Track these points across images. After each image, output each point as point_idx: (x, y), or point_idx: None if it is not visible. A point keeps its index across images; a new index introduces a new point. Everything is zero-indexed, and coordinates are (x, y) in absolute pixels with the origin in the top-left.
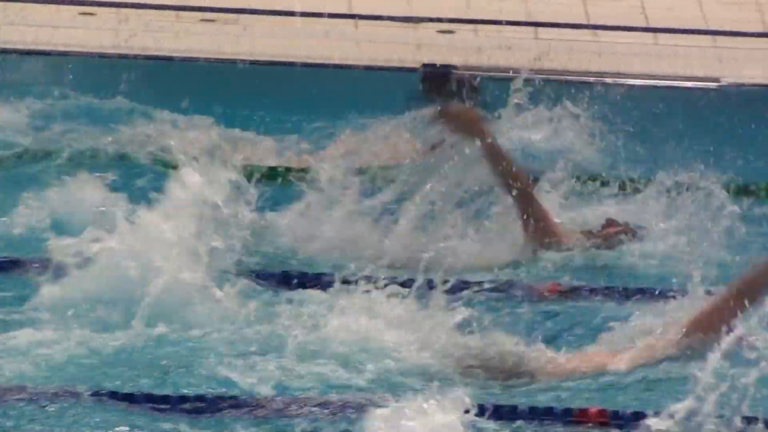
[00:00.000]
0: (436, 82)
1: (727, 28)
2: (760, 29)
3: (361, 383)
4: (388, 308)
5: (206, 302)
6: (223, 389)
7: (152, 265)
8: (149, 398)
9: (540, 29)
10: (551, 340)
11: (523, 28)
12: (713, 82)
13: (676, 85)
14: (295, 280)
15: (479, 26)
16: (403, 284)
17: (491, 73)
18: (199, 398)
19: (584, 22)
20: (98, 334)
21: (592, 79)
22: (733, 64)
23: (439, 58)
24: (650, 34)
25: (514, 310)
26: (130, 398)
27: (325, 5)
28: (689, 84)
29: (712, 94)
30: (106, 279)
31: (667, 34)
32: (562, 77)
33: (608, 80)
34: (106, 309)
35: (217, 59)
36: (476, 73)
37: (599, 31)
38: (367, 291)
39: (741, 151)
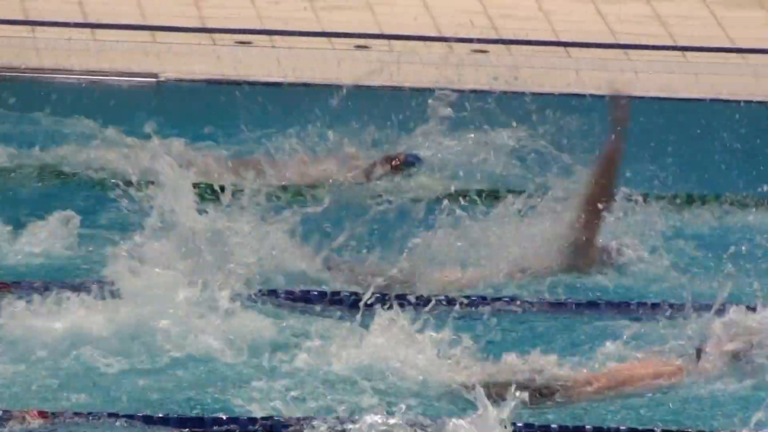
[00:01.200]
0: None
1: (166, 23)
2: (197, 24)
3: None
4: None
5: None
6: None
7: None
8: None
9: None
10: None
11: None
12: (152, 77)
13: (115, 80)
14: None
15: None
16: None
17: None
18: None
19: (21, 18)
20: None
21: (29, 74)
22: (172, 59)
23: None
24: (88, 30)
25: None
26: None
27: None
28: (128, 80)
29: (150, 89)
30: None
31: (107, 30)
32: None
33: (48, 76)
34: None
35: None
36: None
37: (38, 27)
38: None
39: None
